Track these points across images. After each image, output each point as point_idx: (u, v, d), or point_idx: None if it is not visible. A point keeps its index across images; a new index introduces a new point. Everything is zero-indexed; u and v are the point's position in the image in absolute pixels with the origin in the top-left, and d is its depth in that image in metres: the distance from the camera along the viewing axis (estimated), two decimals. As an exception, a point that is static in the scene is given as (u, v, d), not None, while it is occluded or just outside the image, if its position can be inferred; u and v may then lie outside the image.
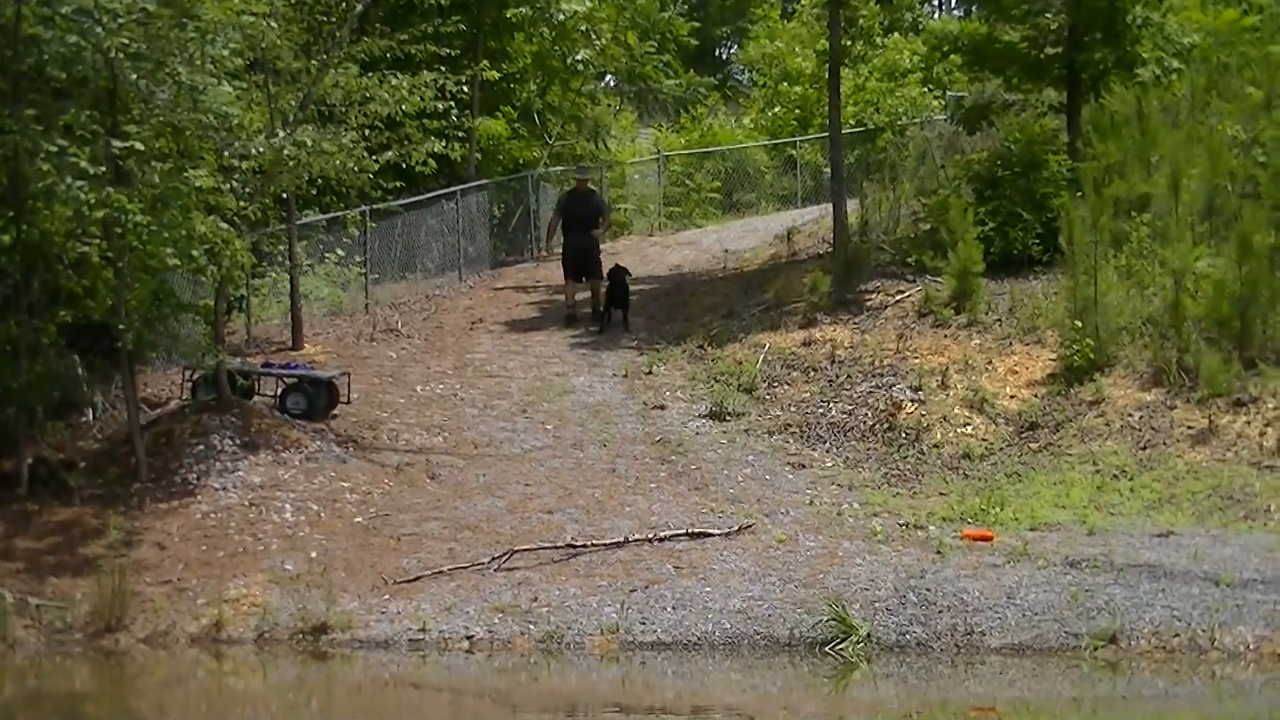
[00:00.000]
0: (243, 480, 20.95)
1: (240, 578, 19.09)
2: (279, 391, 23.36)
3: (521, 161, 36.82)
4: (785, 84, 46.05)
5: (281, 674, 18.08)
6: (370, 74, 24.48)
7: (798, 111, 44.99)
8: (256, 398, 23.35)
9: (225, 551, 19.63)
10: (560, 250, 29.50)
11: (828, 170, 41.51)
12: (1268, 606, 17.27)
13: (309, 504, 20.65)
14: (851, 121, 39.04)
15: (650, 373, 25.65)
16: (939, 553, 19.08)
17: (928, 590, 18.08)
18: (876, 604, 17.90)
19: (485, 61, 33.13)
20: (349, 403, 23.68)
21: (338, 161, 22.52)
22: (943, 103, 43.33)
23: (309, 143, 21.87)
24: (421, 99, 24.14)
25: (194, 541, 19.82)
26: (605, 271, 28.47)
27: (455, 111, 25.57)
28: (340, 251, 29.30)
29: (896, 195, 31.37)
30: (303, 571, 19.16)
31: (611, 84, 43.87)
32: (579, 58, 37.14)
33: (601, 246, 29.53)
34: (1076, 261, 24.45)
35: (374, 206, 28.91)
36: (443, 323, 29.04)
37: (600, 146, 40.45)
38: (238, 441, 21.59)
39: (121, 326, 20.78)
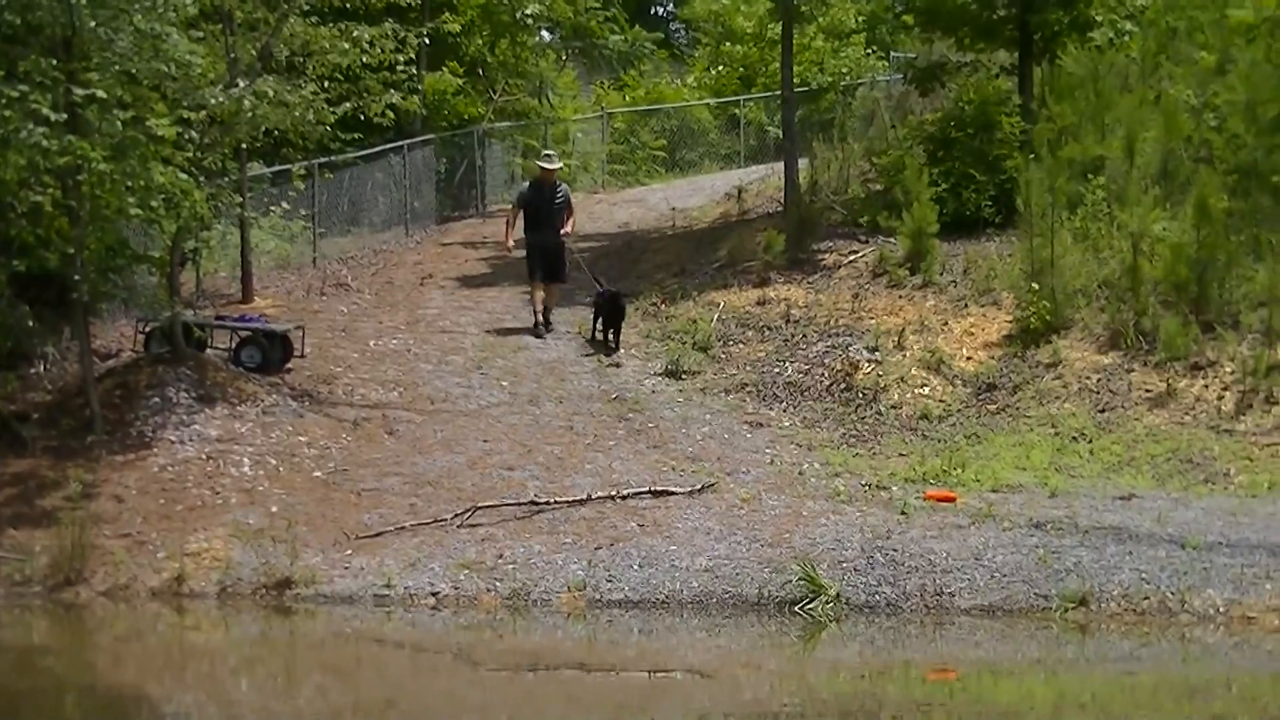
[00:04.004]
0: (199, 433, 20.75)
1: (201, 531, 18.90)
2: (233, 344, 23.13)
3: (466, 117, 36.58)
4: (728, 43, 45.92)
5: (245, 628, 17.92)
6: (329, 24, 24.18)
7: (741, 71, 44.90)
8: (209, 350, 23.10)
9: (184, 505, 19.44)
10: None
11: (771, 130, 41.65)
12: (1235, 570, 17.33)
13: (267, 458, 20.47)
14: (796, 81, 38.92)
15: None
16: (903, 513, 19.06)
17: (895, 551, 18.06)
18: (844, 564, 17.86)
19: (447, 14, 32.83)
20: (303, 356, 23.47)
21: (297, 113, 22.29)
22: (886, 64, 43.31)
23: (270, 93, 21.62)
24: (382, 50, 23.90)
25: (152, 495, 19.62)
26: (601, 293, 25.27)
27: (410, 64, 25.27)
28: (285, 205, 28.95)
29: (845, 155, 31.34)
30: (264, 526, 18.99)
31: (549, 38, 43.56)
32: (528, 12, 36.88)
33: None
34: (1033, 224, 24.49)
35: (323, 160, 28.65)
36: (392, 278, 28.87)
37: (544, 103, 40.23)
38: (193, 394, 21.37)
39: (77, 277, 20.50)
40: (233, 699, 15.88)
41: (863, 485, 20.17)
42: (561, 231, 25.41)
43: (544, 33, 42.29)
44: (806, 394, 23.48)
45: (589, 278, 26.07)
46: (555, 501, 19.53)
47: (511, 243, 25.83)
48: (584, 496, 19.63)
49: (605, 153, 40.84)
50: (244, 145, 24.47)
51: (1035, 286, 23.86)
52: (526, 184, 26.84)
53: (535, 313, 25.57)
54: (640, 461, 20.97)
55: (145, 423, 20.85)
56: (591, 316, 25.32)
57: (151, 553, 18.61)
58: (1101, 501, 19.40)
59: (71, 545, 18.34)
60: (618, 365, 24.28)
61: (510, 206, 26.81)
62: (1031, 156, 26.28)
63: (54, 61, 20.05)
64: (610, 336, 24.92)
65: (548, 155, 26.76)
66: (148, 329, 22.80)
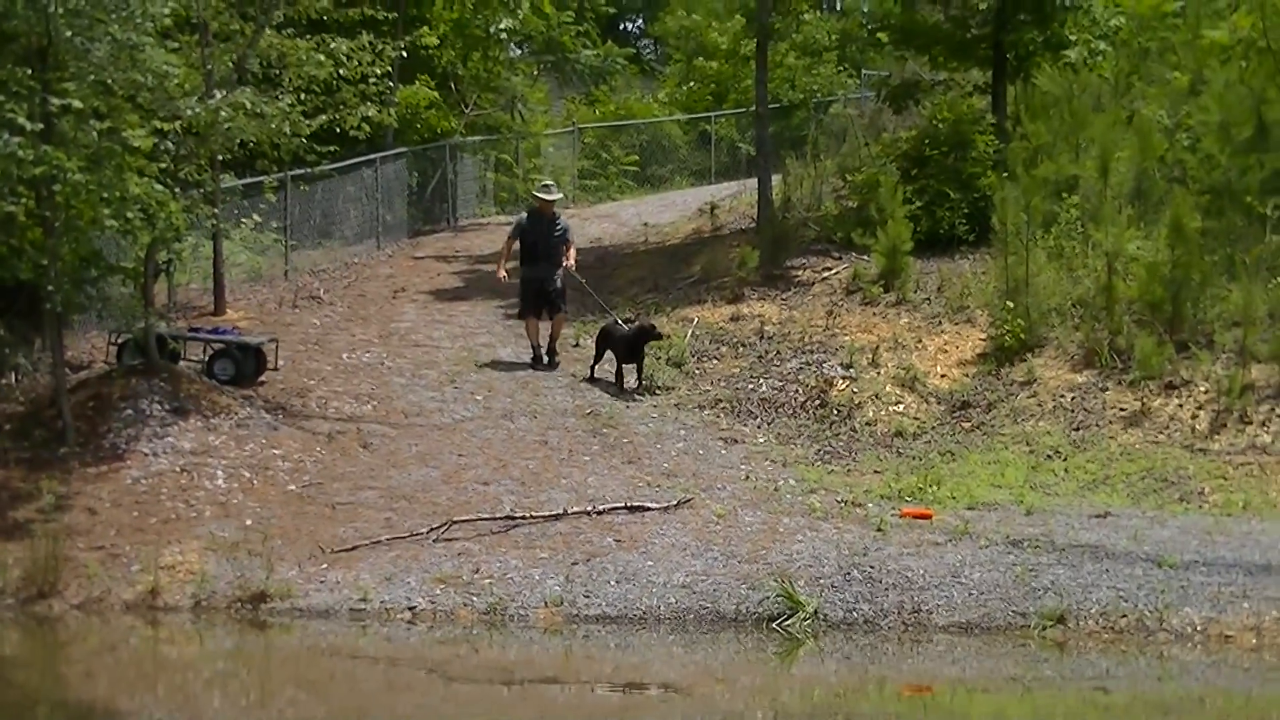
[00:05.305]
0: (173, 446, 20.63)
1: (175, 544, 18.77)
2: (206, 357, 23.04)
3: (439, 131, 36.54)
4: (701, 59, 45.98)
5: (220, 642, 17.79)
6: (305, 37, 24.15)
7: (713, 87, 44.96)
8: (182, 362, 23.00)
9: (158, 518, 19.32)
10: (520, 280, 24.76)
11: (743, 146, 41.71)
12: (1212, 588, 17.32)
13: (241, 471, 20.36)
14: (768, 98, 39.05)
15: (577, 345, 25.50)
16: (880, 530, 19.03)
17: (872, 567, 18.02)
18: (821, 580, 17.81)
19: (425, 28, 32.79)
20: (276, 369, 23.39)
21: (273, 125, 22.23)
22: (857, 81, 43.47)
23: (247, 105, 21.56)
24: (359, 63, 23.87)
25: (126, 507, 19.49)
26: (626, 327, 24.10)
27: (385, 77, 25.25)
28: (257, 217, 28.83)
29: (819, 172, 31.38)
30: (239, 539, 18.88)
31: (518, 52, 43.56)
32: (502, 27, 36.89)
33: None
34: (1007, 242, 24.53)
35: (296, 173, 28.53)
36: (365, 291, 28.81)
37: (515, 117, 40.24)
38: (167, 406, 21.26)
39: (51, 288, 20.38)
40: (205, 714, 15.78)
41: (839, 502, 20.15)
42: (565, 265, 24.39)
43: (513, 48, 42.32)
44: (781, 410, 23.47)
45: (599, 306, 25.31)
46: (531, 516, 19.46)
47: (504, 273, 24.82)
48: (560, 511, 19.57)
49: (576, 168, 40.84)
50: (219, 156, 24.37)
51: (1010, 304, 23.91)
52: (525, 214, 25.64)
53: (534, 345, 24.69)
54: (615, 477, 20.92)
55: (118, 435, 20.73)
56: (595, 350, 24.42)
57: (125, 565, 18.48)
58: (1077, 519, 19.40)
59: (44, 558, 18.19)
60: (591, 380, 24.21)
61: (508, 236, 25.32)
62: (1006, 175, 26.35)
63: (29, 71, 19.96)
64: (622, 374, 24.04)
65: (546, 186, 25.51)
66: (120, 340, 22.72)
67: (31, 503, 19.43)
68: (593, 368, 24.39)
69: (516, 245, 24.90)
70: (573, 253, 24.77)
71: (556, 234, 24.57)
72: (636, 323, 24.31)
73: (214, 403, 21.62)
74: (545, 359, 24.71)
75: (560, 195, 25.99)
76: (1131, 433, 21.85)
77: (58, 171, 19.44)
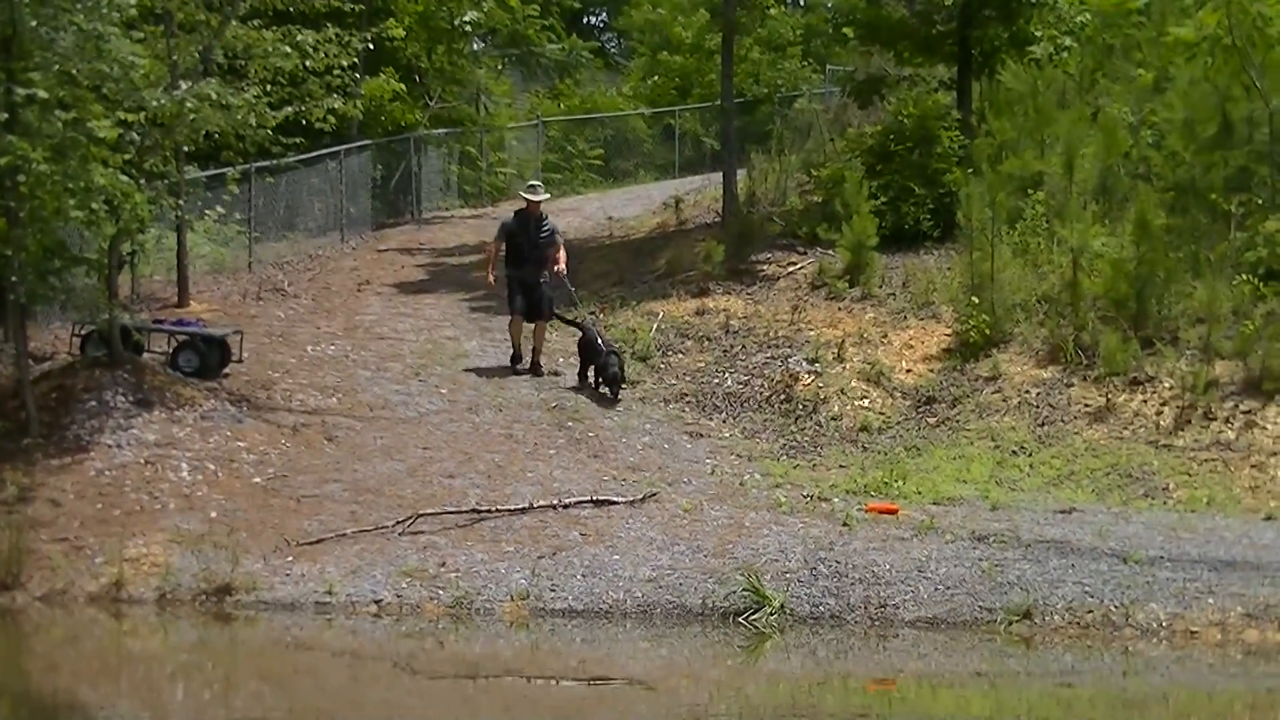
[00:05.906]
0: (137, 438, 20.53)
1: (139, 537, 18.70)
2: (171, 349, 22.93)
3: (403, 123, 36.47)
4: (665, 53, 45.97)
5: (184, 635, 17.73)
6: (271, 29, 24.08)
7: (678, 81, 44.95)
8: (146, 354, 22.88)
9: (122, 510, 19.23)
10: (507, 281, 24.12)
11: (707, 140, 41.72)
12: (1177, 584, 17.37)
13: (206, 463, 20.28)
14: (733, 92, 39.08)
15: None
16: (846, 525, 19.03)
17: (838, 562, 18.03)
18: (788, 575, 17.82)
19: (391, 20, 32.74)
20: (241, 361, 23.29)
21: (239, 116, 22.16)
22: (822, 76, 43.50)
23: (213, 96, 21.49)
24: (325, 55, 23.81)
25: (89, 499, 19.40)
26: (596, 345, 23.53)
27: (353, 69, 25.21)
28: (221, 209, 28.70)
29: (783, 167, 31.39)
30: (204, 531, 18.83)
31: (483, 45, 43.48)
32: (466, 19, 36.84)
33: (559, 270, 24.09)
34: (972, 237, 24.57)
35: (261, 165, 28.45)
36: (329, 283, 28.72)
37: (480, 110, 40.19)
38: (131, 398, 21.16)
39: (14, 279, 20.29)
40: (168, 707, 15.73)
41: (804, 496, 20.16)
42: (556, 270, 23.88)
43: (478, 41, 42.24)
44: (746, 405, 23.48)
45: (578, 315, 24.77)
46: (497, 510, 19.43)
47: (491, 277, 24.24)
48: (525, 505, 19.54)
49: (541, 161, 40.77)
50: (183, 148, 24.28)
51: (975, 300, 23.94)
52: (511, 214, 24.70)
53: (515, 345, 24.13)
54: (581, 470, 20.90)
55: (82, 426, 20.63)
56: (579, 358, 23.95)
57: (89, 558, 18.41)
58: (1042, 515, 19.44)
59: (8, 549, 18.12)
60: (557, 374, 24.16)
61: (493, 239, 24.74)
62: (971, 171, 26.41)
63: (-8, 61, 19.89)
64: (587, 374, 23.78)
65: (532, 186, 24.74)
66: (84, 332, 22.59)
67: (-6, 493, 19.37)
68: (582, 375, 24.06)
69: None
70: (563, 256, 24.23)
71: (543, 235, 24.00)
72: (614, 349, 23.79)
73: (178, 395, 21.54)
74: (529, 366, 24.15)
75: (547, 195, 25.33)
76: (1096, 428, 21.91)
77: (22, 162, 19.37)
